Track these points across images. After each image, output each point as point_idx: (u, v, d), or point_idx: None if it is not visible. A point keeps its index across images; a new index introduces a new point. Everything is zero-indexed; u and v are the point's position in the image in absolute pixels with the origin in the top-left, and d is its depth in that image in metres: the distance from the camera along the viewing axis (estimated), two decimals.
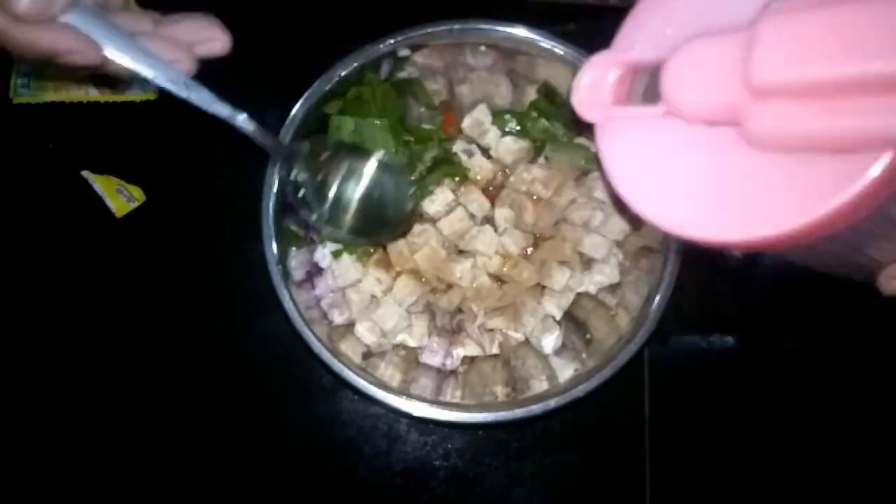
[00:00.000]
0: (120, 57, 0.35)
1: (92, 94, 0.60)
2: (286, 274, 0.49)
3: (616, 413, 0.56)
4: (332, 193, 0.49)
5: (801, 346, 0.56)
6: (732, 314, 0.58)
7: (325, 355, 0.47)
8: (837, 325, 0.56)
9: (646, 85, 0.30)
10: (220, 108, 0.40)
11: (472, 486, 0.55)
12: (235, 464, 0.55)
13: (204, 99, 0.39)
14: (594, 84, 0.30)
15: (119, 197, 0.58)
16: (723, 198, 0.25)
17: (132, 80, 0.43)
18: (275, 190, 0.48)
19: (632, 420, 0.56)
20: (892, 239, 0.30)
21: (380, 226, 0.51)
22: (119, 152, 0.59)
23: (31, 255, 0.58)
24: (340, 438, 0.55)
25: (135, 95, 0.60)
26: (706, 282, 0.57)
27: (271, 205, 0.48)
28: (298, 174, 0.47)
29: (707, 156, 0.26)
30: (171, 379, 0.56)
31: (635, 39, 0.28)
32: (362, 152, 0.50)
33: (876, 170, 0.21)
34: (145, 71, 0.36)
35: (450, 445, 0.56)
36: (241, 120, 0.40)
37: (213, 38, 0.38)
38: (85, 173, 0.58)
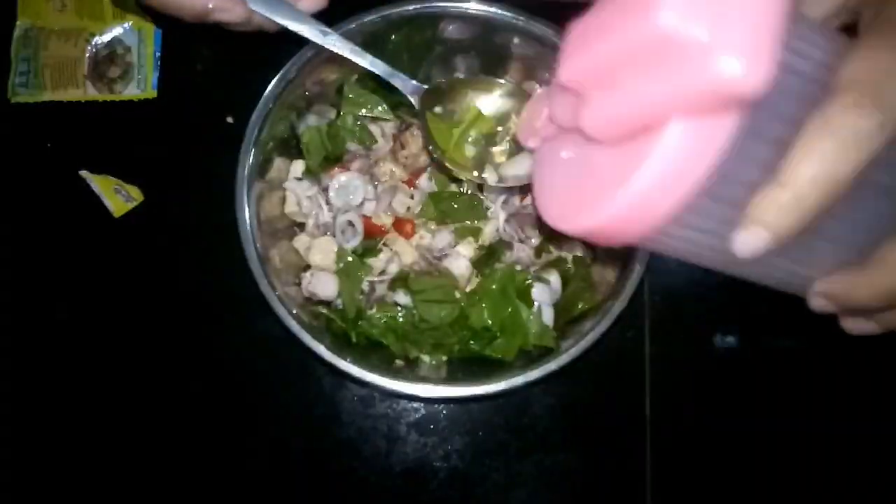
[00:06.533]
0: (262, 9, 0.41)
1: (90, 93, 0.59)
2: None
3: (616, 413, 0.56)
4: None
5: (803, 345, 0.56)
6: (733, 313, 0.58)
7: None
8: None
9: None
10: (357, 56, 0.44)
11: (473, 487, 0.55)
12: (235, 465, 0.55)
13: (340, 46, 0.43)
14: (532, 115, 0.35)
15: (117, 196, 0.58)
16: (575, 191, 0.29)
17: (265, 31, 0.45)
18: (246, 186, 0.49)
19: (632, 419, 0.56)
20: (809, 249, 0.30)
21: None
22: (117, 152, 0.59)
23: (29, 254, 0.58)
24: (340, 439, 0.55)
25: (133, 94, 0.59)
26: (705, 281, 0.57)
27: (245, 205, 0.49)
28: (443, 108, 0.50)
29: (577, 159, 0.30)
30: (170, 379, 0.56)
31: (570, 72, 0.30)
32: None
33: (672, 137, 0.23)
34: (286, 21, 0.41)
35: (450, 446, 0.55)
36: (379, 65, 0.45)
37: None
38: (83, 173, 0.58)
